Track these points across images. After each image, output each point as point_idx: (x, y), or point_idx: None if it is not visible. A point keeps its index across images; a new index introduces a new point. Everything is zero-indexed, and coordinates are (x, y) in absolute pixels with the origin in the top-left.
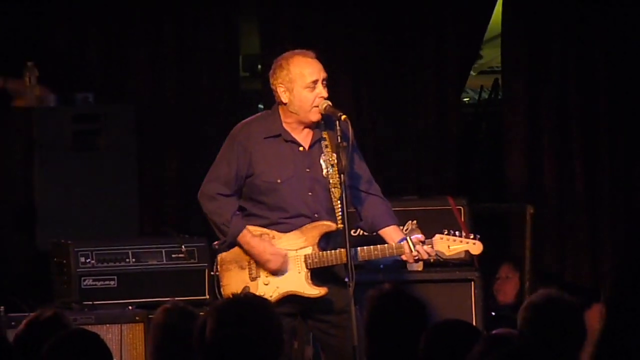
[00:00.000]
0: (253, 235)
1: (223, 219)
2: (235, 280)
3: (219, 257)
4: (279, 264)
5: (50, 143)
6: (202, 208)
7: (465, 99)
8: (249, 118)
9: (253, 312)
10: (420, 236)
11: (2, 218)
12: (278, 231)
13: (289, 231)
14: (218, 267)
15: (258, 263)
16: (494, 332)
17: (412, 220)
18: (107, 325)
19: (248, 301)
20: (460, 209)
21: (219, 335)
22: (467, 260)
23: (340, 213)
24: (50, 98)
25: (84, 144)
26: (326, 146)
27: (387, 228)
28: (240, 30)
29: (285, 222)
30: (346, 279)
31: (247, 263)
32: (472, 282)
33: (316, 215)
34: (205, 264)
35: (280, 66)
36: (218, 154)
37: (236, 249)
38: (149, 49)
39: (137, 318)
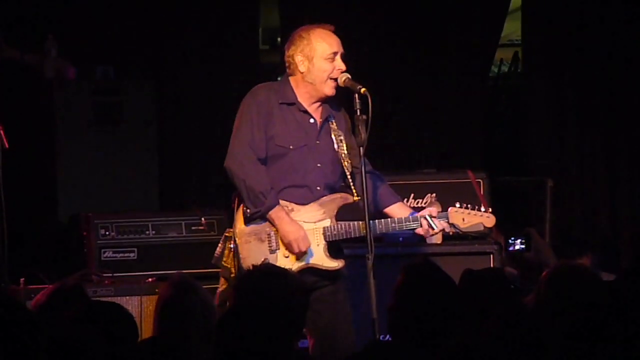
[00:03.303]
0: (287, 213)
1: (262, 187)
2: (254, 252)
3: (237, 229)
4: (304, 248)
5: (71, 116)
6: (234, 174)
7: None
8: (262, 84)
9: (271, 285)
10: (432, 209)
11: (23, 190)
12: (297, 203)
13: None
14: (236, 239)
15: (281, 239)
16: None
17: (432, 194)
18: (127, 297)
19: (268, 273)
20: (479, 182)
21: (236, 308)
22: (485, 233)
23: (354, 187)
24: (71, 71)
25: (105, 117)
26: (333, 123)
27: (393, 206)
28: (260, 3)
29: (288, 191)
30: (366, 254)
31: (266, 236)
32: (491, 255)
33: (318, 188)
34: None
35: (301, 36)
36: (237, 119)
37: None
38: (169, 22)
39: (156, 290)
